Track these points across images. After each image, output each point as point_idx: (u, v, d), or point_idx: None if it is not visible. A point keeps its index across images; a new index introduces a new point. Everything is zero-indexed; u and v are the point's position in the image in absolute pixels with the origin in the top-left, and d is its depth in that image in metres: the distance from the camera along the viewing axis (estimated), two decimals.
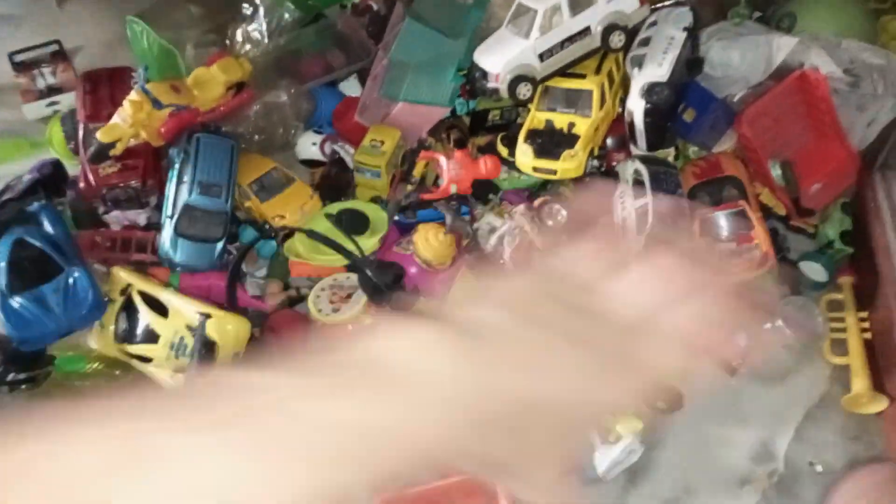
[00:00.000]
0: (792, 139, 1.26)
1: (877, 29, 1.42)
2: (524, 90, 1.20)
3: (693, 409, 1.11)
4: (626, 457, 1.06)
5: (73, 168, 1.29)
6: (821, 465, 1.07)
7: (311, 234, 1.16)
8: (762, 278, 1.17)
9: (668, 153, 1.28)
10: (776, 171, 1.24)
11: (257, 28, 1.40)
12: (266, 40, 1.40)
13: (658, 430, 1.10)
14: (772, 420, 1.12)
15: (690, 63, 1.27)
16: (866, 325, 1.15)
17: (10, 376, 1.01)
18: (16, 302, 1.05)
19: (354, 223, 1.19)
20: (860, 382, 1.10)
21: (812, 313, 1.14)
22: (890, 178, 1.23)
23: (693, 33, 1.26)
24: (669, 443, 1.09)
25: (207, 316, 1.00)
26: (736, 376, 1.14)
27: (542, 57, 1.19)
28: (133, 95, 1.15)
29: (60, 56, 1.47)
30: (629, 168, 1.21)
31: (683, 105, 1.27)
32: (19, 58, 1.47)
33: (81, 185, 1.22)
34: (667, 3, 1.35)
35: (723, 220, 1.18)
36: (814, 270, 1.23)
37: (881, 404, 1.09)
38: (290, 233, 1.20)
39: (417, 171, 1.25)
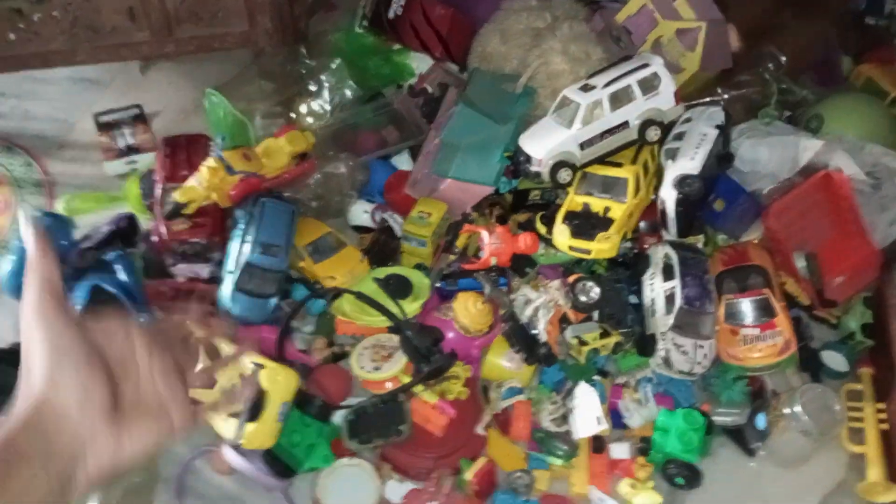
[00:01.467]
0: (817, 234, 1.31)
1: None
2: (564, 175, 1.30)
3: (711, 487, 1.15)
4: None
5: (145, 222, 1.39)
6: None
7: (359, 296, 1.24)
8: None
9: (698, 240, 1.35)
10: (801, 263, 1.29)
11: (321, 103, 1.52)
12: (328, 115, 1.51)
13: None
14: (788, 502, 1.15)
15: (721, 158, 1.35)
16: (884, 415, 1.18)
17: None
18: None
19: (399, 288, 1.27)
20: (876, 471, 1.13)
21: (830, 402, 1.18)
22: None
23: (725, 130, 1.35)
24: None
25: (261, 366, 1.08)
26: (756, 459, 1.19)
27: (582, 146, 1.29)
28: (210, 161, 1.26)
29: (141, 119, 1.58)
30: (660, 252, 1.28)
31: (714, 196, 1.35)
32: (103, 118, 1.58)
33: (154, 238, 1.33)
34: (701, 101, 1.44)
35: (747, 307, 1.25)
36: (835, 360, 1.27)
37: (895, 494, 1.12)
38: (338, 293, 1.28)
39: (460, 243, 1.33)
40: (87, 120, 1.61)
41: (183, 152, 1.38)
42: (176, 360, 0.58)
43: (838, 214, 1.31)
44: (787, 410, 1.17)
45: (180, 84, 1.69)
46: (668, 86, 1.30)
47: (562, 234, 1.27)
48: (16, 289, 1.27)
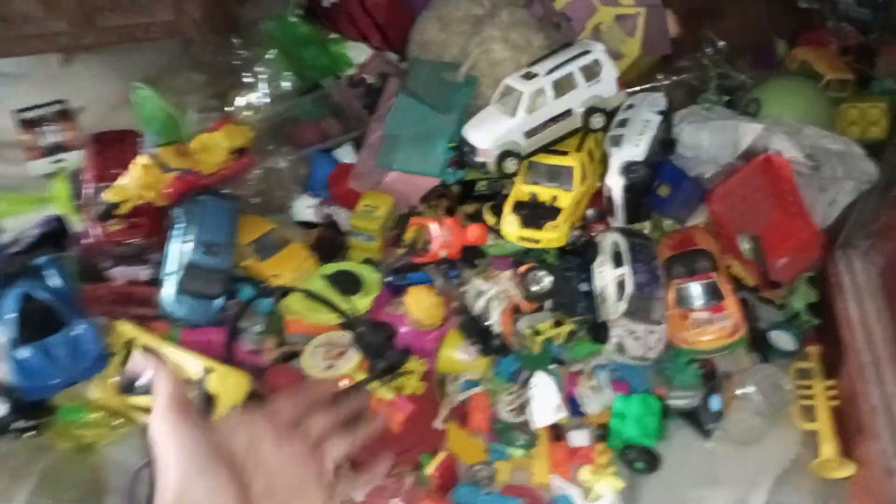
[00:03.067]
0: (759, 216, 1.32)
1: (835, 116, 1.52)
2: (510, 165, 1.28)
3: (669, 470, 1.16)
4: None
5: (76, 224, 1.32)
6: None
7: (308, 294, 1.21)
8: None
9: (644, 226, 1.36)
10: (745, 246, 1.31)
11: (257, 96, 1.46)
12: (266, 107, 1.46)
13: (636, 490, 1.14)
14: (744, 482, 1.16)
15: (664, 143, 1.35)
16: (834, 392, 1.21)
17: (16, 423, 1.03)
18: (23, 353, 1.07)
19: (348, 283, 1.24)
20: (829, 448, 1.15)
21: (781, 381, 1.20)
22: (850, 255, 1.31)
23: (667, 116, 1.36)
24: (647, 502, 1.14)
25: (210, 370, 1.03)
26: (711, 440, 1.20)
27: (527, 135, 1.28)
28: (143, 159, 1.20)
29: (66, 115, 1.51)
30: (608, 239, 1.28)
31: (658, 182, 1.36)
32: (25, 115, 1.50)
33: (87, 240, 1.26)
34: (643, 87, 1.44)
35: (696, 291, 1.26)
36: (783, 340, 1.29)
37: (849, 470, 1.14)
38: (286, 291, 1.24)
39: (408, 236, 1.31)
40: (4, 117, 1.53)
41: (112, 149, 1.31)
42: (306, 437, 0.61)
43: (780, 197, 1.33)
44: (739, 391, 1.19)
45: (106, 77, 1.61)
46: (609, 72, 1.30)
47: (511, 225, 1.26)
48: None
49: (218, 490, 0.54)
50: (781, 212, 1.32)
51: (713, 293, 1.25)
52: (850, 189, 1.33)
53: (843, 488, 1.15)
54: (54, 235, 1.29)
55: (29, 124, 1.49)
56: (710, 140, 1.39)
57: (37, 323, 1.10)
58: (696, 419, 1.20)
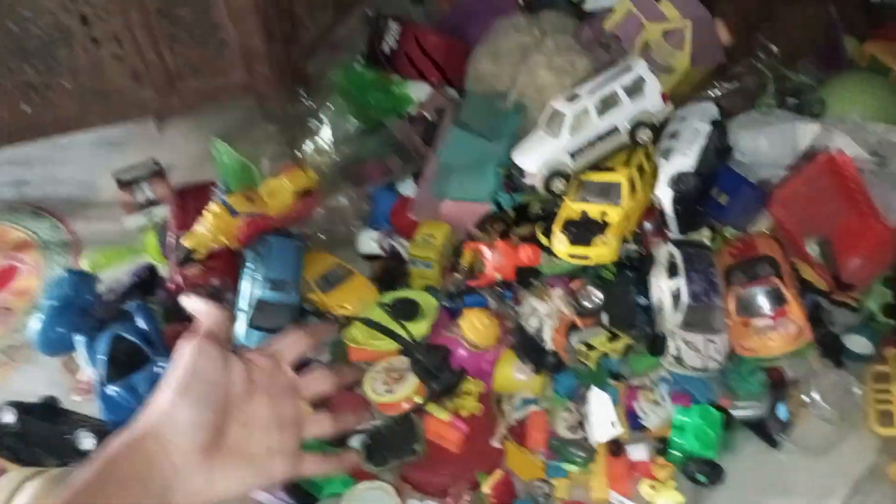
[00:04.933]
0: (828, 218, 1.28)
1: None
2: (558, 184, 1.31)
3: (736, 481, 1.13)
4: None
5: (164, 271, 1.44)
6: None
7: (367, 322, 1.27)
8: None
9: (704, 235, 1.34)
10: (814, 249, 1.27)
11: (323, 140, 1.56)
12: (332, 150, 1.56)
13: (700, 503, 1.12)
14: (817, 492, 1.12)
15: (720, 151, 1.34)
16: None
17: None
18: (111, 390, 1.19)
19: (406, 310, 1.29)
20: None
21: (849, 385, 1.15)
22: None
23: (720, 124, 1.34)
24: None
25: None
26: (779, 449, 1.16)
27: (573, 155, 1.30)
28: (213, 206, 1.31)
29: (158, 173, 1.64)
30: (663, 251, 1.28)
31: (717, 189, 1.34)
32: (123, 176, 1.65)
33: (171, 285, 1.38)
34: (694, 98, 1.44)
35: (757, 297, 1.23)
36: (858, 343, 1.24)
37: None
38: (349, 321, 1.31)
39: (465, 261, 1.35)
40: (109, 180, 1.68)
41: (193, 201, 1.43)
42: (296, 411, 0.62)
43: (847, 196, 1.29)
44: (804, 398, 1.15)
45: (193, 136, 1.76)
46: (653, 87, 1.31)
47: (560, 243, 1.28)
48: (45, 345, 1.33)
49: (198, 425, 0.55)
50: (851, 212, 1.28)
51: (776, 298, 1.22)
52: None
53: None
54: (147, 283, 1.41)
55: (126, 184, 1.63)
56: (768, 144, 1.37)
57: (125, 362, 1.22)
58: (764, 429, 1.17)
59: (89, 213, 1.68)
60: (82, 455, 1.16)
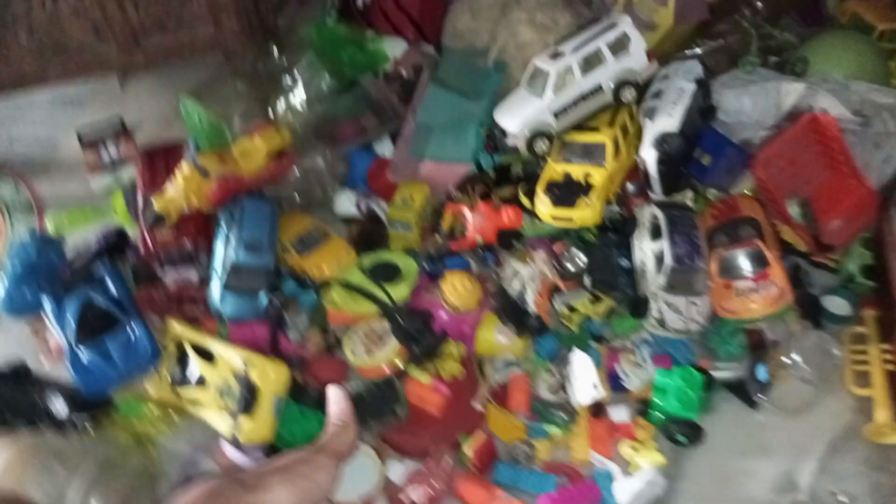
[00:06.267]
0: (809, 179, 1.29)
1: (889, 68, 1.45)
2: (541, 145, 1.28)
3: (715, 442, 1.14)
4: (649, 489, 1.08)
5: (134, 233, 1.39)
6: (844, 495, 1.07)
7: (347, 285, 1.24)
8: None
9: (686, 196, 1.33)
10: (795, 210, 1.27)
11: (297, 98, 1.51)
12: (306, 109, 1.51)
13: (680, 463, 1.12)
14: (794, 451, 1.13)
15: (703, 111, 1.32)
16: (889, 356, 1.16)
17: (74, 418, 1.11)
18: (82, 353, 1.15)
19: (386, 273, 1.26)
20: (883, 413, 1.11)
21: (828, 346, 1.16)
22: None
23: (704, 84, 1.32)
24: (692, 475, 1.12)
25: (249, 363, 1.08)
26: (758, 409, 1.17)
27: (556, 114, 1.27)
28: (184, 168, 1.26)
29: (123, 132, 1.59)
30: (646, 213, 1.26)
31: (699, 150, 1.33)
32: (86, 134, 1.59)
33: (141, 248, 1.34)
34: (677, 56, 1.41)
35: (739, 259, 1.22)
36: (837, 305, 1.25)
37: None
38: (328, 284, 1.28)
39: (445, 223, 1.32)
40: (71, 139, 1.62)
41: (162, 161, 1.39)
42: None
43: (829, 157, 1.28)
44: (784, 359, 1.16)
45: (159, 93, 1.70)
46: (638, 45, 1.28)
47: (543, 205, 1.25)
48: (10, 307, 1.29)
49: None
50: (832, 172, 1.28)
51: (758, 260, 1.21)
52: None
53: None
54: (116, 245, 1.37)
55: (90, 143, 1.57)
56: (751, 104, 1.35)
57: (96, 325, 1.18)
58: (743, 390, 1.17)
59: (52, 174, 1.62)
60: (53, 419, 1.13)
